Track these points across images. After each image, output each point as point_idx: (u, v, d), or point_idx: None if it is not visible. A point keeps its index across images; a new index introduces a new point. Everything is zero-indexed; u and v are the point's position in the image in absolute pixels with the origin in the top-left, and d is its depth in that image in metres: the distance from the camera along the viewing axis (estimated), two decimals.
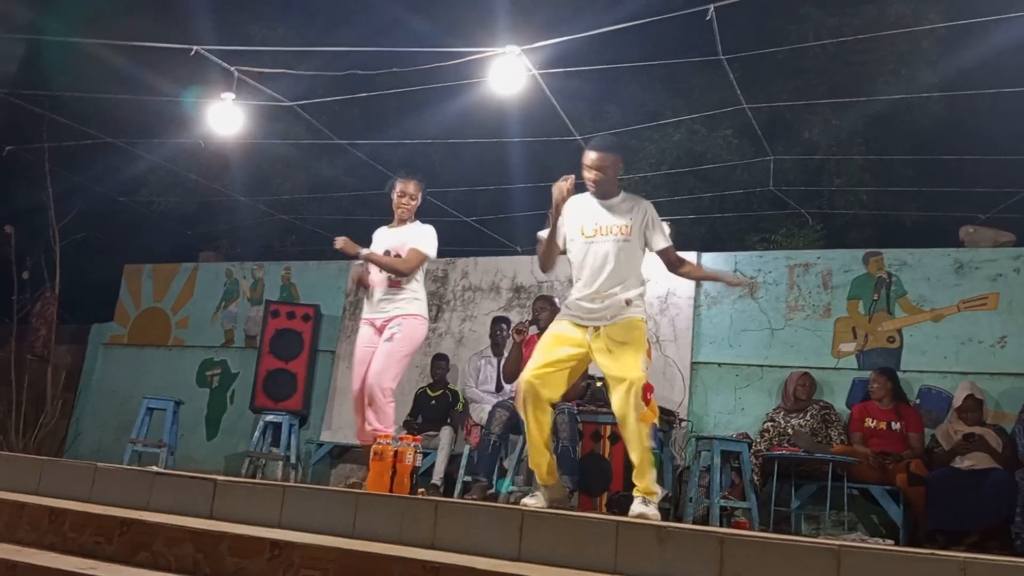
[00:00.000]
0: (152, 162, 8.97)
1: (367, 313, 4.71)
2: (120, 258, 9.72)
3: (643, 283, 4.02)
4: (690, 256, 6.98)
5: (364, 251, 4.63)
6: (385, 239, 4.77)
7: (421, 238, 4.68)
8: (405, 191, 4.69)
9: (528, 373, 3.86)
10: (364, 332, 4.69)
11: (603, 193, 3.98)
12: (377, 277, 4.68)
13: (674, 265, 4.08)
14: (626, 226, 3.92)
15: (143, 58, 7.10)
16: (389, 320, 4.57)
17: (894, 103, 8.23)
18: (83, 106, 7.99)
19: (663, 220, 7.28)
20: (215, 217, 10.38)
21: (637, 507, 3.64)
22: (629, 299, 3.87)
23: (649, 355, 3.91)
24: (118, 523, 2.82)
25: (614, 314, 3.85)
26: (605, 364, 3.83)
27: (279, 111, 7.27)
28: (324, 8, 10.03)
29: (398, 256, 4.62)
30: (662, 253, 4.00)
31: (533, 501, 3.84)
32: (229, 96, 6.42)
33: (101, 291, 9.82)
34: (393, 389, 4.50)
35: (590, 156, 3.94)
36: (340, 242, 4.63)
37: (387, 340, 4.50)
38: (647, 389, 3.73)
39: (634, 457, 3.73)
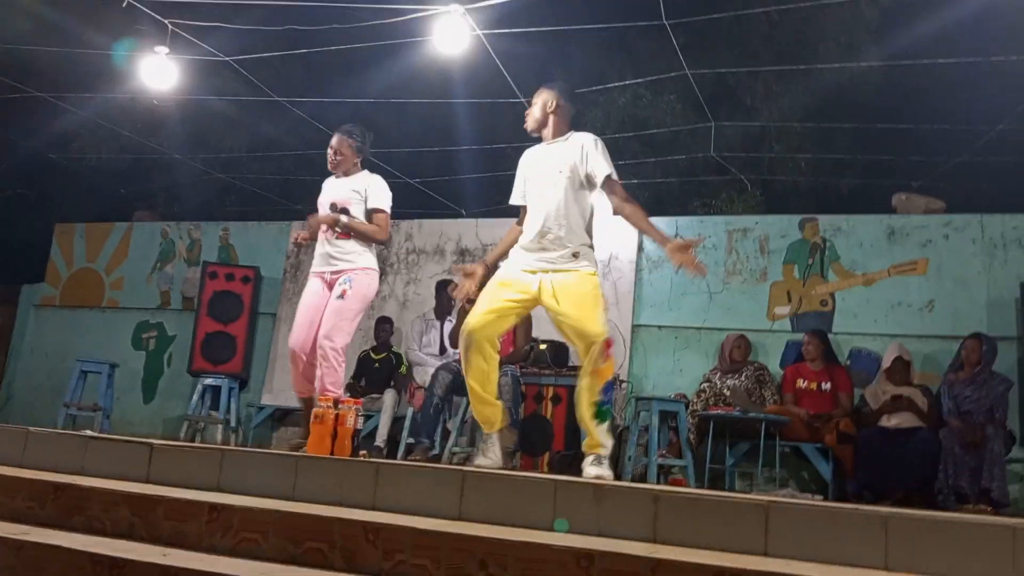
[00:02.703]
0: (83, 117, 8.67)
1: (316, 266, 4.55)
2: (51, 216, 9.42)
3: (590, 235, 3.84)
4: None
5: (344, 219, 4.46)
6: (330, 191, 4.61)
7: (379, 196, 4.55)
8: (331, 144, 4.58)
9: (470, 319, 3.72)
10: (313, 283, 4.53)
11: (546, 135, 3.89)
12: (324, 231, 4.53)
13: (619, 201, 3.80)
14: (565, 165, 3.77)
15: (73, 8, 6.84)
16: (338, 274, 4.44)
17: (835, 72, 8.36)
18: (9, 58, 7.66)
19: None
20: (150, 175, 10.11)
21: (590, 469, 3.57)
22: (576, 252, 3.73)
23: (605, 308, 3.74)
24: (51, 487, 2.77)
25: (562, 264, 3.72)
26: (561, 316, 3.68)
27: (216, 66, 7.06)
28: None
29: (344, 210, 4.50)
30: (605, 185, 3.76)
31: (488, 461, 3.73)
32: (163, 50, 6.23)
33: (31, 250, 9.51)
34: (345, 347, 4.39)
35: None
36: (312, 220, 4.54)
37: (338, 297, 4.35)
38: (607, 344, 3.58)
39: (581, 412, 3.65)
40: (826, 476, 5.71)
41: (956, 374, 5.60)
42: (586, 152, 3.79)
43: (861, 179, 8.61)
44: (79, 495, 2.72)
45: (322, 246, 4.51)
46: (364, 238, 4.50)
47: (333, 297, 4.38)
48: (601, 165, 3.78)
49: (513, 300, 3.76)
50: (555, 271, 3.73)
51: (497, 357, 3.81)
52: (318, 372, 4.30)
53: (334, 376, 4.29)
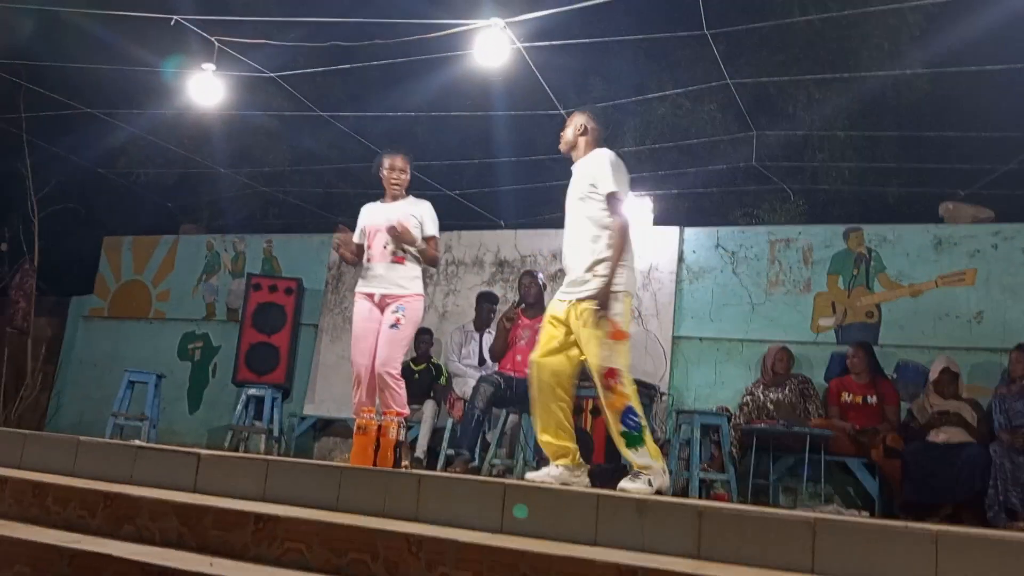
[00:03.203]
0: (132, 133, 8.86)
1: (365, 287, 4.59)
2: (100, 230, 9.64)
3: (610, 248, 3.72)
4: (672, 231, 7.03)
5: (419, 240, 4.55)
6: (382, 216, 4.62)
7: (435, 222, 4.66)
8: (394, 165, 4.64)
9: (534, 355, 3.86)
10: (362, 306, 4.57)
11: (575, 156, 4.00)
12: (379, 252, 4.58)
13: (611, 219, 3.75)
14: (585, 183, 3.83)
15: (122, 27, 6.99)
16: (390, 298, 4.51)
17: (879, 79, 8.24)
18: (61, 75, 7.87)
19: (644, 194, 7.32)
20: (196, 189, 10.30)
21: (623, 482, 3.57)
22: (590, 266, 3.71)
23: (617, 336, 3.60)
24: (102, 497, 2.83)
25: (578, 288, 3.73)
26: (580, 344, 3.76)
27: (260, 82, 7.19)
28: None
29: None
30: (608, 200, 3.76)
31: (536, 475, 3.76)
32: (210, 67, 6.35)
33: (80, 263, 9.74)
34: (400, 370, 4.55)
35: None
36: (390, 228, 4.48)
37: (392, 326, 4.44)
38: (607, 375, 3.58)
39: (616, 442, 3.68)
40: (872, 492, 5.61)
41: (1008, 387, 5.47)
42: (599, 167, 3.85)
43: (907, 188, 8.46)
44: (129, 504, 2.77)
45: (375, 267, 4.56)
46: (427, 260, 4.61)
47: (387, 325, 4.46)
48: (607, 181, 3.80)
49: (561, 334, 3.81)
50: (578, 295, 3.74)
51: (568, 400, 3.84)
52: (384, 397, 4.45)
53: (399, 398, 4.45)
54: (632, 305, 3.81)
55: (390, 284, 4.53)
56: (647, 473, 3.57)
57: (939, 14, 7.79)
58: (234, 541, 2.54)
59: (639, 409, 3.61)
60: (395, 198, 4.68)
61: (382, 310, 4.54)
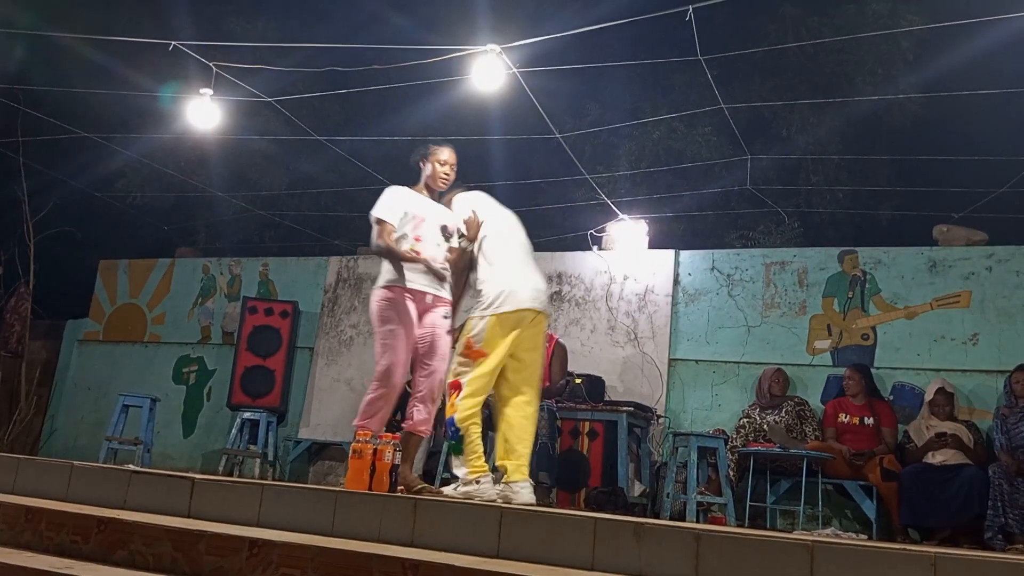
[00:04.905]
0: (129, 157, 8.90)
1: (416, 283, 4.04)
2: (96, 253, 9.63)
3: (480, 278, 4.23)
4: (667, 254, 7.05)
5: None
6: (434, 211, 4.22)
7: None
8: (447, 159, 4.24)
9: None
10: (408, 306, 4.02)
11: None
12: (432, 247, 4.13)
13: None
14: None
15: (120, 52, 7.05)
16: (440, 301, 4.14)
17: (872, 103, 8.33)
18: (58, 100, 7.92)
19: (640, 217, 7.37)
20: (192, 212, 10.32)
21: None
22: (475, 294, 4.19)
23: (468, 354, 4.08)
24: (95, 522, 2.81)
25: None
26: None
27: (258, 107, 7.23)
28: (303, 3, 9.98)
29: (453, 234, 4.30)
30: None
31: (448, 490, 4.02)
32: (207, 92, 6.38)
33: (76, 287, 9.73)
34: None
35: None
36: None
37: (448, 332, 4.15)
38: (450, 386, 4.08)
39: None
40: (870, 514, 5.59)
41: (1011, 408, 5.46)
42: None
43: (900, 211, 8.52)
44: (123, 529, 2.75)
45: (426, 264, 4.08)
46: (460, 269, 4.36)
47: (445, 332, 4.14)
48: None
49: None
50: None
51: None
52: (428, 408, 4.15)
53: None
54: (507, 327, 4.08)
55: (441, 286, 4.11)
56: (470, 478, 3.97)
57: (931, 39, 7.89)
58: (228, 566, 2.52)
59: (468, 424, 4.01)
60: (432, 192, 4.29)
61: (423, 314, 4.10)
